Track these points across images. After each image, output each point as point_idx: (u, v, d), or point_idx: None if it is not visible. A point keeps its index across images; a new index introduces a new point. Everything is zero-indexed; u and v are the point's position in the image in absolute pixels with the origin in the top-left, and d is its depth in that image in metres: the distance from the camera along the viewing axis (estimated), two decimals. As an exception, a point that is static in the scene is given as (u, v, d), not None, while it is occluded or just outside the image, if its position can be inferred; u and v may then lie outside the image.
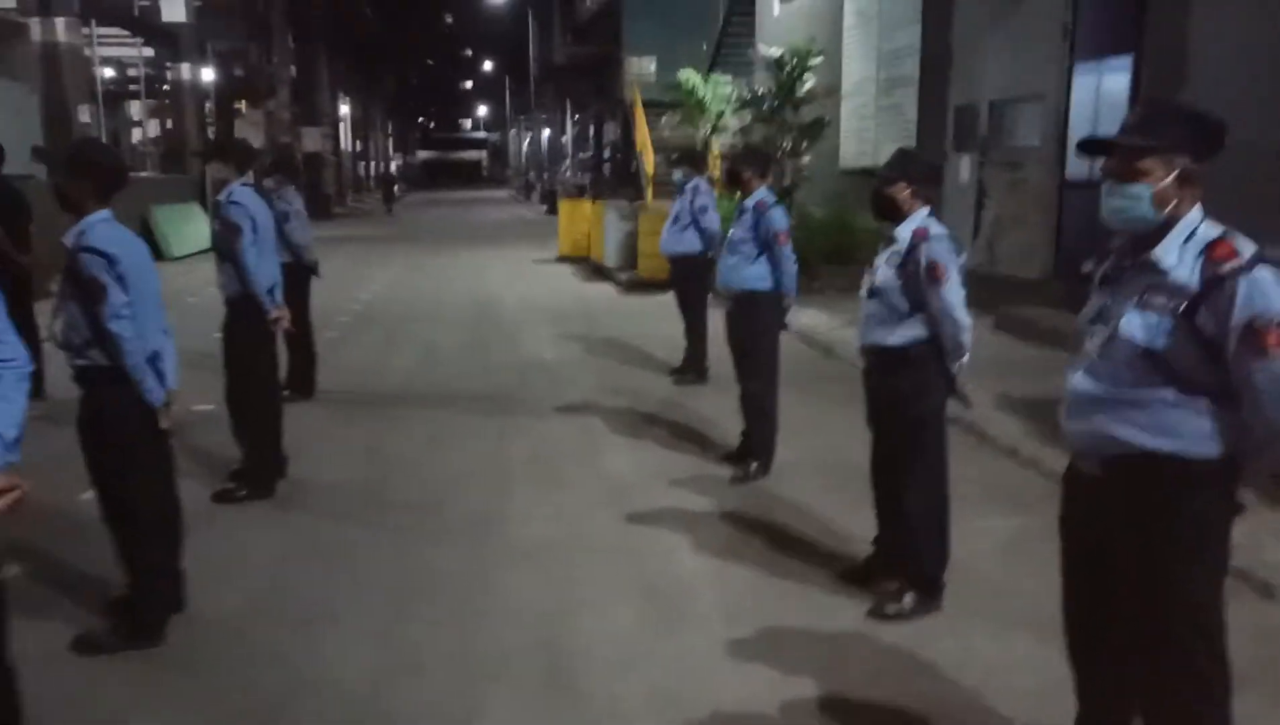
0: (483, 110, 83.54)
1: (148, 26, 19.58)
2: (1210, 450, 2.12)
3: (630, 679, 3.23)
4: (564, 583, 3.99)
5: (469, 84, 77.71)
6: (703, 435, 6.06)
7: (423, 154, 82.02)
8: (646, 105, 18.50)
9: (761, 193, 5.14)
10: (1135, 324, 2.14)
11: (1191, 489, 2.14)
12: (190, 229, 18.53)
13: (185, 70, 20.10)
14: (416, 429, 6.31)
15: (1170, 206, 2.14)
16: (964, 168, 10.48)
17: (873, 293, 3.60)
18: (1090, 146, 2.25)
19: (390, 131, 65.09)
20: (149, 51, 20.85)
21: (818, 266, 10.87)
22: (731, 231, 5.27)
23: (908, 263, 3.46)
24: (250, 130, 30.88)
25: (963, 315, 3.42)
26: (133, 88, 24.87)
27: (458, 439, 6.06)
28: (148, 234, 15.63)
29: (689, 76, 15.07)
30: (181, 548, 3.69)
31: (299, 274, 6.91)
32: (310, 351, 7.14)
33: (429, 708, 3.06)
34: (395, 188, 42.87)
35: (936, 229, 3.48)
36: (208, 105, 20.65)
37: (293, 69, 30.75)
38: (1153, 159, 2.13)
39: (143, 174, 19.91)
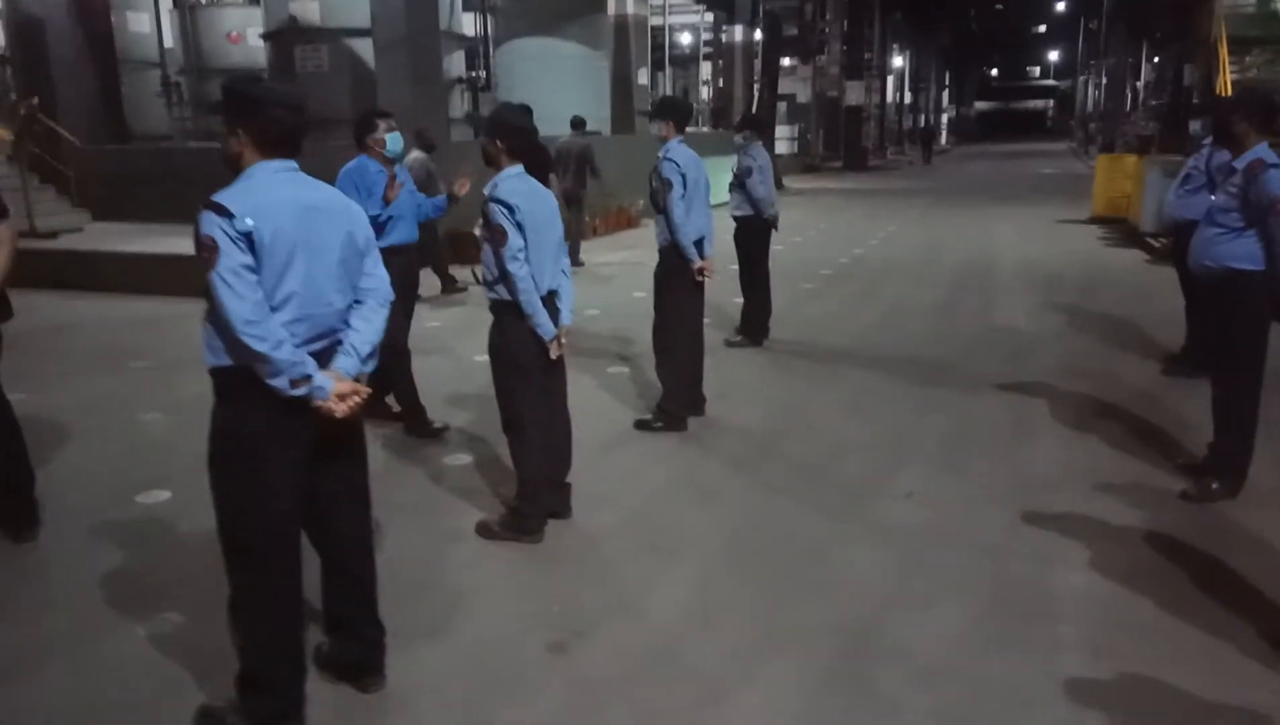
0: (1054, 56, 77.04)
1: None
2: None
3: (923, 692, 2.93)
4: (908, 571, 3.71)
5: (1042, 28, 72.07)
6: (1171, 438, 5.10)
7: (980, 105, 78.33)
8: (1235, 42, 15.54)
9: (1260, 150, 4.09)
10: None
11: None
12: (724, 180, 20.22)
13: (738, 32, 21.68)
14: (843, 388, 6.24)
15: None
16: None
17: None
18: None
19: (947, 82, 63.31)
20: (709, 17, 22.79)
21: None
22: (1214, 196, 4.30)
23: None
24: (799, 85, 32.44)
25: None
26: (706, 51, 27.59)
27: (878, 404, 5.87)
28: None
29: (1286, 2, 12.30)
30: (568, 462, 4.18)
31: (758, 227, 7.20)
32: (766, 301, 7.41)
33: (704, 660, 3.10)
34: (938, 141, 41.95)
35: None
36: (755, 63, 21.97)
37: (844, 24, 31.38)
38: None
39: (689, 130, 22.08)
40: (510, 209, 3.67)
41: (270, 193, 2.47)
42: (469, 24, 15.54)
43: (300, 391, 2.47)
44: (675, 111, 5.20)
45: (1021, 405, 5.77)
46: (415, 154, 8.02)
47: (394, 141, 5.03)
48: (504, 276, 3.73)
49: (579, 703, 2.88)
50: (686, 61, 29.21)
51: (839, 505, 4.34)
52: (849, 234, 14.36)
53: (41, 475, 4.20)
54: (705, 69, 30.20)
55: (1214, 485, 4.32)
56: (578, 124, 11.07)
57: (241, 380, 2.46)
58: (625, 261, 11.53)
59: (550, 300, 3.88)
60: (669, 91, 30.25)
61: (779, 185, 22.86)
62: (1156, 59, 32.85)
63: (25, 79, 12.26)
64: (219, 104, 2.55)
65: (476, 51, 15.24)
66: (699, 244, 5.23)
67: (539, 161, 8.01)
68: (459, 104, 13.98)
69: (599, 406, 5.78)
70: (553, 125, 14.71)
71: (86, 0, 12.16)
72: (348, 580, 2.87)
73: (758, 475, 4.72)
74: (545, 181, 7.87)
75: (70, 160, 11.86)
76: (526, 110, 7.89)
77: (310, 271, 2.51)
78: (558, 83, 17.18)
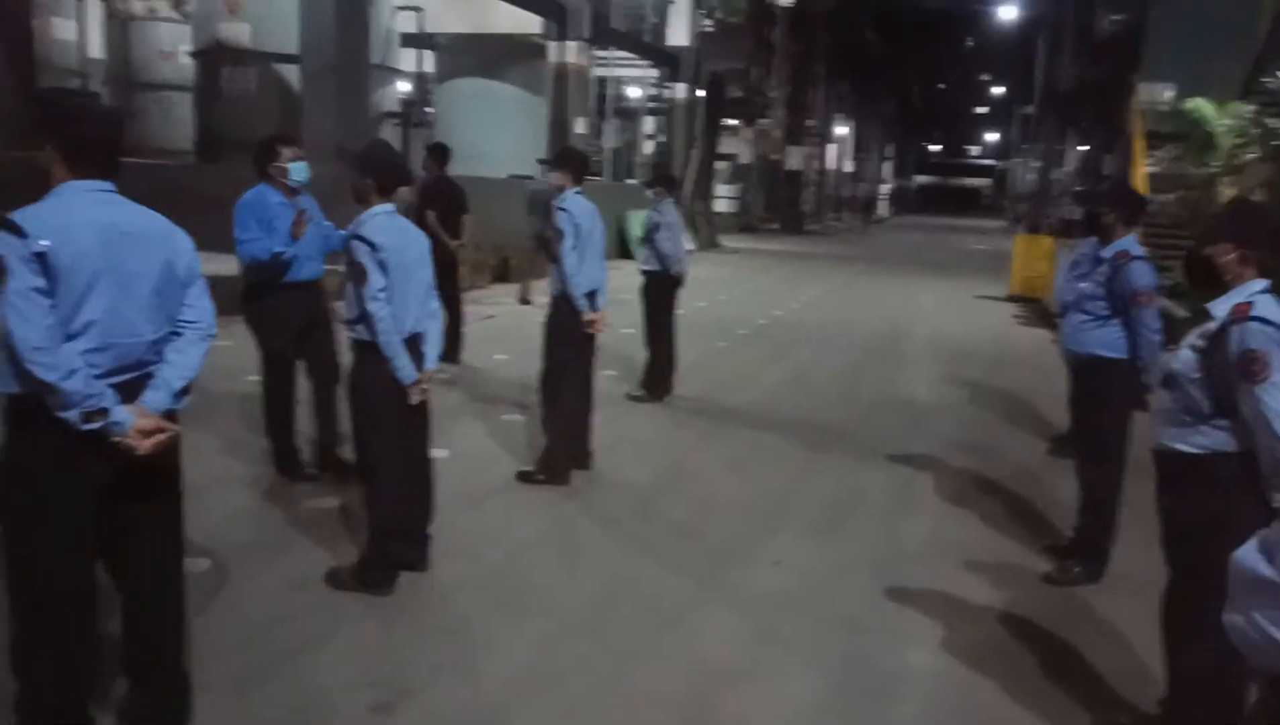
0: (992, 136, 79.92)
1: (653, 50, 21.77)
2: None
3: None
4: (762, 640, 3.63)
5: (983, 109, 74.77)
6: (1044, 518, 5.15)
7: (920, 178, 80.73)
8: (1151, 137, 16.27)
9: (1126, 242, 4.20)
10: None
11: None
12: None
13: (680, 90, 22.03)
14: (734, 447, 6.21)
15: None
16: None
17: (1168, 381, 2.76)
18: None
19: (890, 154, 65.13)
20: (654, 72, 23.14)
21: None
22: (1081, 284, 4.40)
23: (1216, 348, 2.61)
24: (742, 146, 33.04)
25: None
26: (650, 106, 27.96)
27: (765, 465, 5.85)
28: (618, 235, 17.45)
29: (1198, 105, 12.94)
30: (427, 513, 4.04)
31: (664, 282, 7.20)
32: (670, 357, 7.38)
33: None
34: (875, 209, 43.12)
35: (1268, 309, 2.57)
36: (695, 122, 22.31)
37: (789, 89, 32.14)
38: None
39: (629, 181, 22.27)
40: (373, 246, 3.57)
41: (76, 214, 2.34)
42: (411, 60, 15.49)
43: (94, 425, 2.32)
44: (571, 162, 5.18)
45: (906, 476, 5.79)
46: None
47: (298, 171, 4.71)
48: (364, 316, 3.62)
49: (386, 770, 2.72)
50: (634, 114, 29.54)
51: (705, 569, 4.26)
52: (773, 295, 14.51)
53: None
54: (650, 123, 30.60)
55: (1076, 569, 4.35)
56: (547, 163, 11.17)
57: (31, 409, 2.30)
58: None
59: (415, 344, 3.77)
60: (614, 143, 30.58)
61: (714, 244, 23.16)
62: (1083, 147, 34.32)
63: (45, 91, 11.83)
64: (33, 116, 2.42)
65: (414, 86, 15.19)
66: (591, 296, 5.18)
67: (456, 203, 7.98)
68: (392, 137, 13.85)
69: (485, 454, 5.65)
70: (491, 165, 14.77)
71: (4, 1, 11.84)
72: (148, 629, 2.69)
73: (629, 535, 4.63)
74: (458, 223, 7.84)
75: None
76: (442, 147, 7.80)
77: (115, 300, 2.38)
78: (496, 124, 17.26)
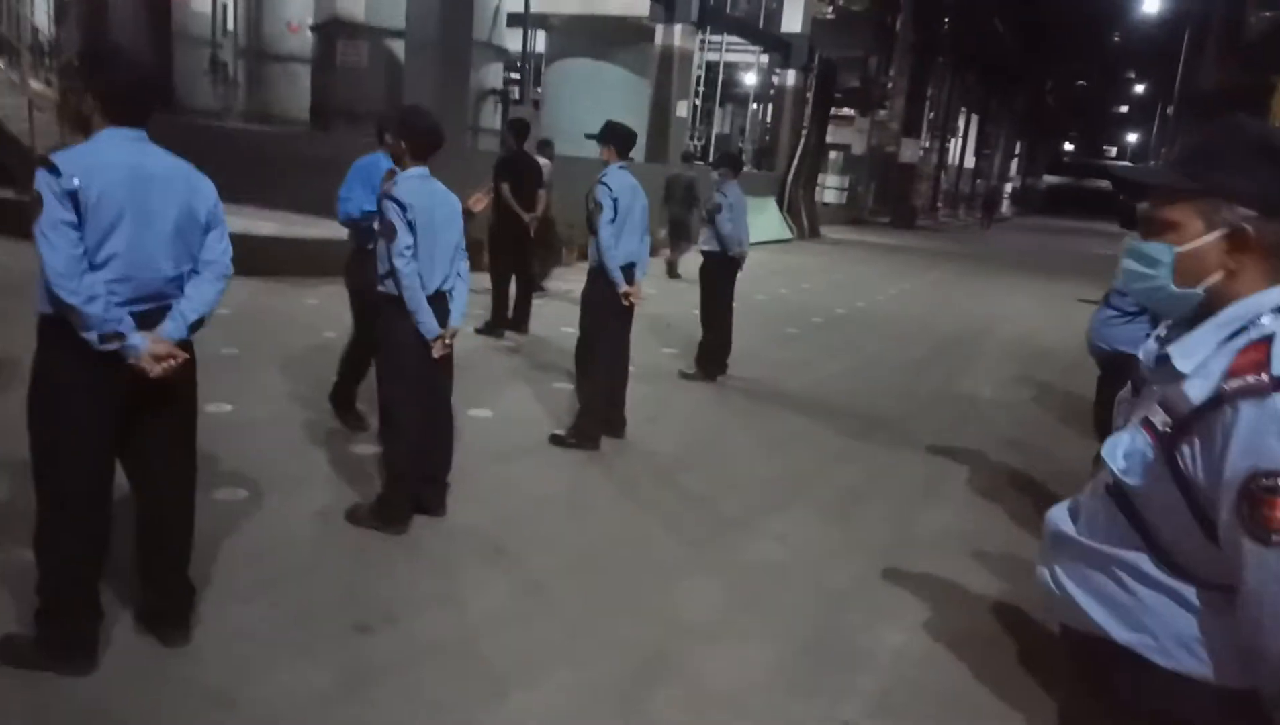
0: (1132, 137, 75.98)
1: (764, 35, 21.65)
2: (1195, 667, 1.34)
3: (689, 717, 2.99)
4: (739, 607, 3.76)
5: (1125, 108, 71.14)
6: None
7: (1049, 178, 77.49)
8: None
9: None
10: (1120, 445, 1.43)
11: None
12: (762, 220, 20.32)
13: (790, 77, 21.86)
14: (771, 429, 6.30)
15: (1210, 280, 1.37)
16: None
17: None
18: (1120, 183, 1.53)
19: (1018, 151, 62.80)
20: (765, 58, 23.01)
21: None
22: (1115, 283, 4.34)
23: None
24: (856, 137, 32.51)
25: None
26: (760, 92, 27.86)
27: (798, 447, 5.92)
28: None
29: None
30: (447, 462, 4.32)
31: (722, 263, 7.30)
32: (725, 338, 7.50)
33: (494, 659, 3.19)
34: (999, 207, 41.73)
35: None
36: (806, 110, 22.10)
37: (909, 80, 31.37)
38: (1184, 206, 1.38)
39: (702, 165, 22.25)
40: (403, 207, 3.83)
41: (107, 156, 2.65)
42: (519, 39, 15.89)
43: (111, 346, 2.64)
44: (617, 137, 5.35)
45: (940, 468, 5.77)
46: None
47: None
48: (392, 272, 3.89)
49: (350, 681, 2.99)
50: (748, 100, 29.44)
51: (706, 537, 4.41)
52: (860, 287, 14.35)
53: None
54: (761, 110, 30.42)
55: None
56: (686, 156, 11.79)
57: (59, 328, 2.64)
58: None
59: (441, 300, 4.04)
60: (723, 128, 30.56)
61: (815, 234, 22.95)
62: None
63: (84, 38, 12.84)
64: (75, 68, 2.75)
65: (517, 65, 15.60)
66: (630, 269, 5.35)
67: (531, 177, 8.25)
68: (493, 114, 14.31)
69: (525, 417, 5.91)
70: (592, 147, 15.06)
71: (147, -27, 12.77)
72: (158, 537, 3.02)
73: (643, 499, 4.80)
74: (534, 197, 8.11)
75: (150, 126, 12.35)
76: (521, 123, 8.00)
77: (137, 236, 2.69)
78: (602, 105, 17.48)
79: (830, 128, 28.40)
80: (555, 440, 5.44)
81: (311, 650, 3.13)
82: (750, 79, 30.16)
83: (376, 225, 3.98)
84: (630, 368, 5.77)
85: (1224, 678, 1.34)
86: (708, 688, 3.17)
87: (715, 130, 27.28)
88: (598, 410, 5.44)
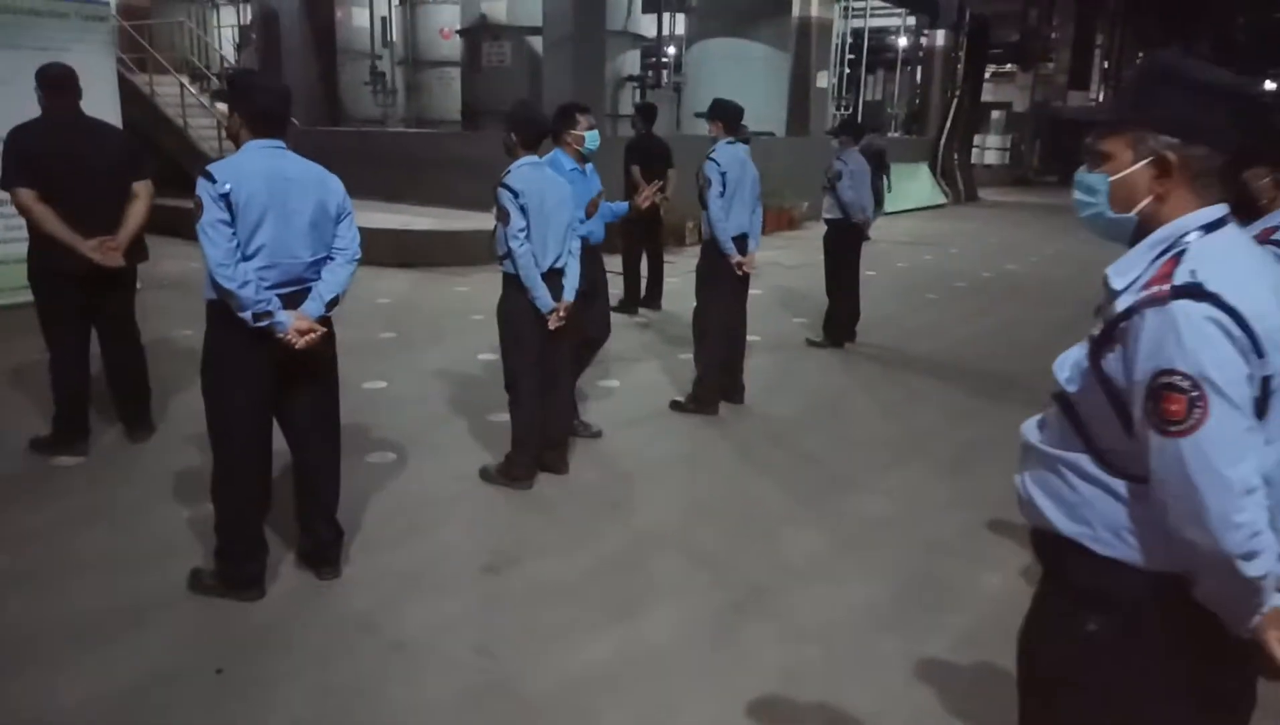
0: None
1: (908, -3, 21.05)
2: (1126, 553, 1.49)
3: (781, 649, 3.22)
4: (839, 553, 3.95)
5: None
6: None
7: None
8: None
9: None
10: (1068, 358, 1.58)
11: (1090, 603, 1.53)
12: (913, 187, 19.85)
13: (939, 37, 21.16)
14: (893, 392, 6.36)
15: (1141, 205, 1.50)
16: None
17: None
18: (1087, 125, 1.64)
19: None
20: (912, 20, 22.35)
21: None
22: None
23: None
24: (1017, 93, 30.99)
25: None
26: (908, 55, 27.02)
27: (918, 409, 5.96)
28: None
29: None
30: (567, 425, 4.69)
31: (846, 230, 7.36)
32: (851, 305, 7.55)
33: (600, 596, 3.51)
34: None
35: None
36: (958, 69, 21.34)
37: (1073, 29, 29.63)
38: (1116, 138, 1.51)
39: (891, 135, 21.76)
40: (515, 193, 4.20)
41: (252, 164, 3.14)
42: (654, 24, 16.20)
43: (262, 324, 3.12)
44: (725, 113, 5.55)
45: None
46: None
47: (592, 139, 4.81)
48: (509, 253, 4.28)
49: (476, 612, 3.39)
50: (892, 65, 28.62)
51: (814, 493, 4.59)
52: (1011, 250, 13.86)
53: (161, 392, 5.19)
54: (911, 74, 29.49)
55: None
56: (875, 128, 12.01)
57: (222, 311, 3.15)
58: (769, 261, 11.83)
59: (555, 277, 4.40)
60: (871, 96, 29.80)
61: (972, 198, 22.15)
62: None
63: (262, 62, 14.14)
64: (224, 93, 3.25)
65: (654, 51, 15.91)
66: (742, 240, 5.56)
67: (659, 156, 8.55)
68: (631, 100, 14.68)
69: (650, 387, 6.23)
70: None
71: (311, -2, 13.91)
72: (311, 487, 3.53)
73: (756, 459, 5.03)
74: (664, 178, 8.42)
75: (290, 137, 13.55)
76: (649, 106, 8.34)
77: (279, 230, 3.16)
78: (745, 83, 17.53)
79: (989, 86, 27.28)
80: (675, 406, 5.73)
81: (443, 587, 3.56)
82: (902, 42, 29.34)
83: (494, 210, 4.38)
84: (755, 337, 5.98)
85: (1152, 562, 1.48)
86: (799, 623, 3.38)
87: (865, 97, 26.70)
88: (714, 377, 5.69)
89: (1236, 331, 1.33)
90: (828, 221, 7.40)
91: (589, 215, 4.83)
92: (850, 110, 22.26)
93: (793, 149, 15.64)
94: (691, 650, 3.22)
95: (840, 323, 7.47)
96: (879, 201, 12.63)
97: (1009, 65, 30.39)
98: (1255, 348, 1.34)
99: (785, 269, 11.34)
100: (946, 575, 3.78)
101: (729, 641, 3.27)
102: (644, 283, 8.62)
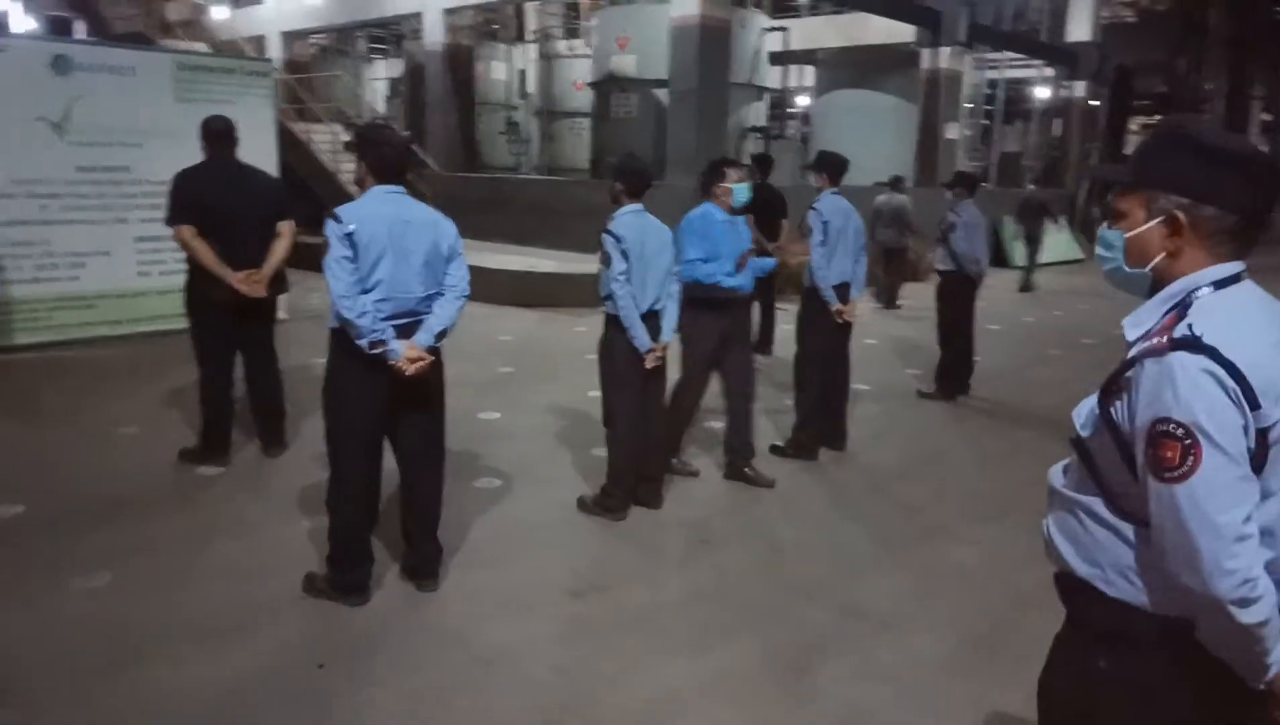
0: None
1: (1046, 48, 20.60)
2: (1134, 596, 1.55)
3: (849, 689, 3.27)
4: (920, 600, 3.95)
5: None
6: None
7: None
8: None
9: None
10: (1085, 404, 1.66)
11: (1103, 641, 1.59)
12: (1049, 241, 19.24)
13: (1079, 88, 20.62)
14: (996, 444, 6.26)
15: (1155, 260, 1.59)
16: None
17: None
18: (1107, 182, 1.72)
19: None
20: (1050, 72, 21.85)
21: None
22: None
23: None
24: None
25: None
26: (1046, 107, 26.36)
27: (1022, 461, 5.83)
28: (995, 240, 16.91)
29: None
30: (657, 456, 4.86)
31: (960, 282, 7.32)
32: (966, 357, 7.48)
33: (680, 627, 3.63)
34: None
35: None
36: (1099, 120, 20.73)
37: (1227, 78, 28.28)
38: (1132, 197, 1.62)
39: (988, 186, 21.25)
40: (618, 238, 4.45)
41: (374, 208, 3.48)
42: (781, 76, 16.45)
43: (377, 352, 3.44)
44: (829, 165, 5.68)
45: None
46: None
47: (741, 192, 4.94)
48: (610, 295, 4.52)
49: (560, 634, 3.58)
50: (1029, 116, 27.94)
51: (903, 540, 4.60)
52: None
53: (296, 413, 5.65)
54: (1054, 126, 28.67)
55: None
56: (894, 182, 12.05)
57: (343, 338, 3.49)
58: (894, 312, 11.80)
59: (653, 318, 4.61)
60: (1010, 148, 29.08)
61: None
62: None
63: (408, 112, 15.11)
64: (351, 143, 3.62)
65: (781, 101, 16.14)
66: (844, 289, 5.64)
67: (773, 207, 8.72)
68: (753, 150, 14.92)
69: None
70: (865, 174, 15.26)
71: (455, 51, 14.77)
72: (415, 505, 3.81)
73: (849, 504, 5.06)
74: (777, 227, 8.56)
75: (430, 182, 14.43)
76: (765, 157, 8.58)
77: (396, 267, 3.48)
78: (872, 134, 17.62)
79: (1136, 138, 26.26)
80: (775, 450, 5.81)
81: (533, 608, 3.76)
82: (1043, 93, 28.68)
83: (598, 254, 4.63)
84: (865, 386, 6.02)
85: (1160, 606, 1.53)
86: (873, 663, 3.43)
87: (1001, 149, 26.15)
88: (814, 423, 5.76)
89: (1230, 383, 1.40)
90: (941, 273, 7.38)
91: (739, 269, 4.94)
92: (984, 163, 21.88)
93: (919, 200, 15.50)
94: (764, 682, 3.30)
95: (953, 375, 7.40)
96: (1036, 250, 12.94)
97: (1156, 117, 29.18)
98: (1250, 400, 1.40)
99: (903, 320, 11.24)
100: (1026, 630, 3.72)
101: (803, 676, 3.34)
102: (756, 328, 8.75)
